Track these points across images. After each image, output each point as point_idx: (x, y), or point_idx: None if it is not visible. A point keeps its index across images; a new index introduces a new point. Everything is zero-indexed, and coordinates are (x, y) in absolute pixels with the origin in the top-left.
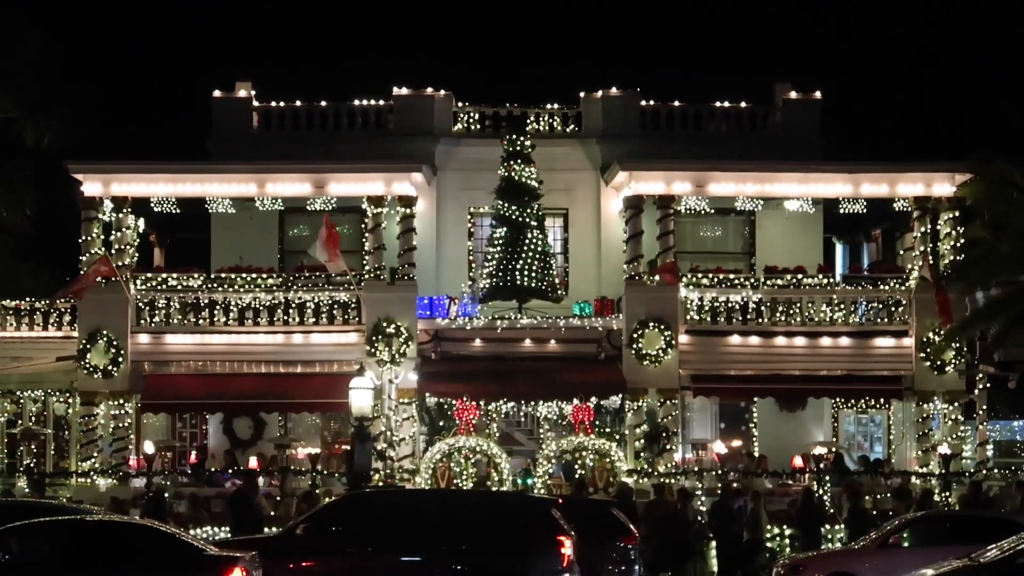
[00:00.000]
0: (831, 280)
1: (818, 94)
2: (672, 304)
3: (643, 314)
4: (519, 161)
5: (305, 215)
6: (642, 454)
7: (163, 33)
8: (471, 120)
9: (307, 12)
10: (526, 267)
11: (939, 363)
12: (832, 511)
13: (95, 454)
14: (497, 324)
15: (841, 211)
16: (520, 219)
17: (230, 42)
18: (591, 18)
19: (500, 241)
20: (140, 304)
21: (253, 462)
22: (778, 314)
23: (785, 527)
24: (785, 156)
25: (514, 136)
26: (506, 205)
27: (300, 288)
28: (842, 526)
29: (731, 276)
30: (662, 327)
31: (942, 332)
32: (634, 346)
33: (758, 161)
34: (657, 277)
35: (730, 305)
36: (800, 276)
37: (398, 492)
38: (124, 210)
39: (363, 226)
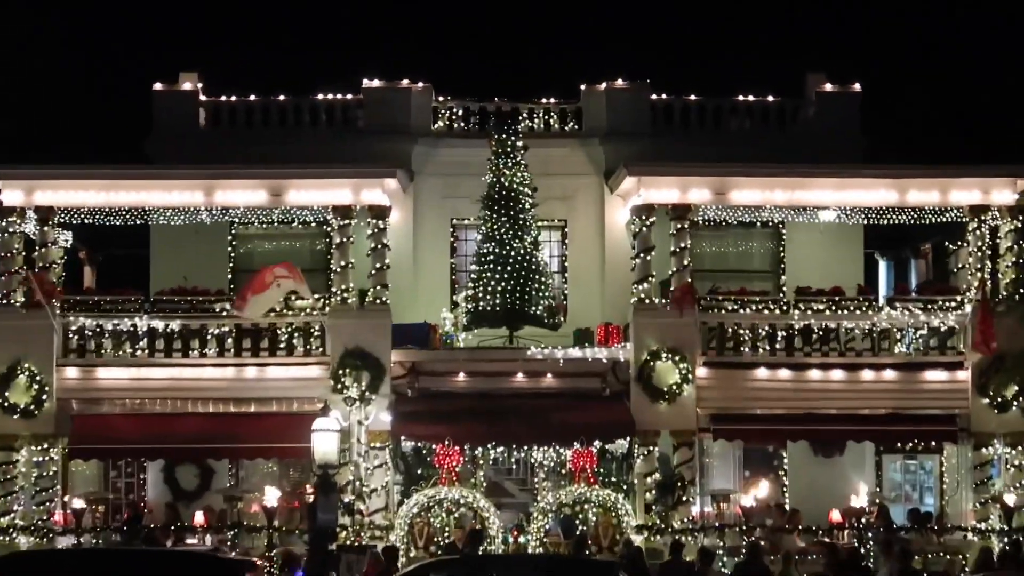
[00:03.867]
0: (873, 303)
1: (857, 86)
2: (688, 332)
3: (655, 343)
4: (510, 164)
5: (261, 228)
6: (654, 507)
7: (95, 17)
8: (454, 117)
9: None
10: (518, 288)
11: (999, 400)
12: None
13: (15, 508)
14: (484, 355)
15: (885, 222)
16: (511, 232)
17: (173, 27)
18: None
19: (487, 258)
20: (67, 332)
21: (199, 517)
22: (812, 343)
23: None
24: (819, 158)
25: (504, 135)
26: (494, 216)
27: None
28: None
29: (757, 299)
30: (677, 358)
31: (992, 366)
32: (644, 381)
33: (788, 164)
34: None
35: (756, 333)
36: (837, 298)
37: (64, 552)
38: (49, 222)
39: (327, 241)
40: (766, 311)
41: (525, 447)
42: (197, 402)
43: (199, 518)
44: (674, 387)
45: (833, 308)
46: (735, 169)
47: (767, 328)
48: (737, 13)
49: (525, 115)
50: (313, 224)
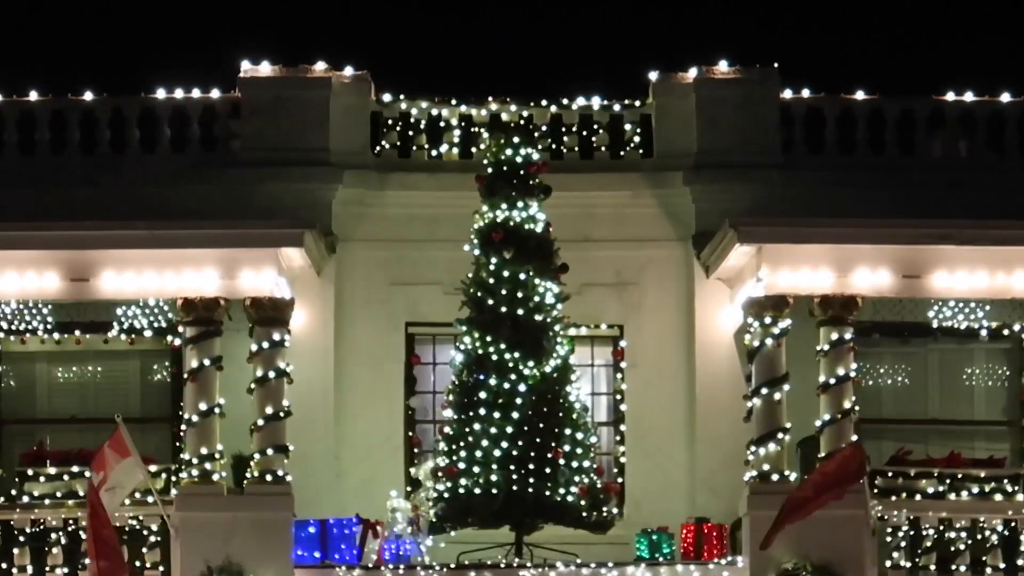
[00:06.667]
0: None
1: None
2: (852, 534)
3: (790, 557)
4: (513, 221)
5: (50, 342)
6: None
7: None
8: (412, 131)
9: None
10: (531, 454)
11: None
12: None
13: None
14: None
15: None
16: (517, 350)
17: None
18: None
19: (475, 397)
20: None
21: None
22: None
23: None
24: None
25: (503, 167)
26: (487, 318)
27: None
28: None
29: (983, 473)
30: None
31: None
32: None
33: None
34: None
35: (981, 535)
36: None
37: None
38: None
39: (174, 366)
40: (999, 495)
41: None
42: None
43: None
44: None
45: None
46: (940, 230)
47: (1002, 529)
48: None
49: (545, 128)
50: (148, 333)
